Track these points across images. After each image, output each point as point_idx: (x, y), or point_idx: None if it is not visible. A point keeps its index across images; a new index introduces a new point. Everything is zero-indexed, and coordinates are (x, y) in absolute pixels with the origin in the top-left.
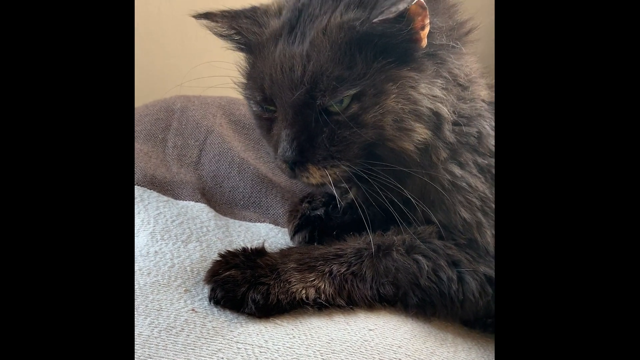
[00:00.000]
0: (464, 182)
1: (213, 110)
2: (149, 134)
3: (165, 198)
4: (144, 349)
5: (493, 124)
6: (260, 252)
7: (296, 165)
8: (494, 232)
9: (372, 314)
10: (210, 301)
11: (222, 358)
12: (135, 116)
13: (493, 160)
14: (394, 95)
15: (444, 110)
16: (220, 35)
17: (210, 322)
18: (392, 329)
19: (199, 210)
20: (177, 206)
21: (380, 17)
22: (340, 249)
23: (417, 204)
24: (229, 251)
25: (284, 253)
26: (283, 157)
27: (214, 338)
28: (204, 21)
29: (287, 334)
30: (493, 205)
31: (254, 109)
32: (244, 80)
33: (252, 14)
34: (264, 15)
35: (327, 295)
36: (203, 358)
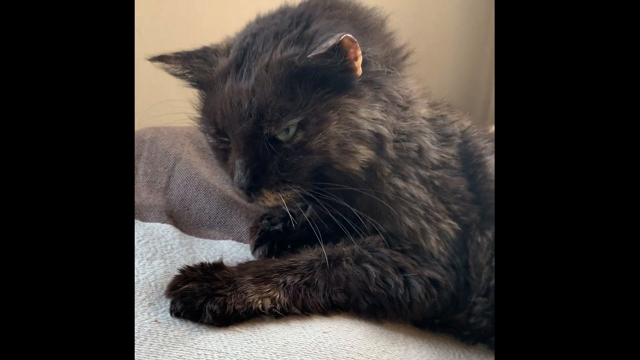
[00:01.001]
0: (407, 193)
1: (181, 139)
2: None
3: (134, 221)
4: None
5: (434, 138)
6: (218, 266)
7: (251, 190)
8: (437, 237)
9: (327, 319)
10: (171, 313)
11: None
12: None
13: (435, 172)
14: (335, 122)
15: (385, 131)
16: (175, 75)
17: (172, 331)
18: (345, 331)
19: (165, 230)
20: (143, 227)
21: (313, 53)
22: (294, 261)
23: (364, 218)
24: (188, 266)
25: (242, 266)
26: (239, 184)
27: (175, 346)
28: (159, 63)
29: (245, 340)
30: (436, 213)
31: (210, 141)
32: (198, 115)
33: (202, 54)
34: (214, 54)
35: (282, 305)
36: None
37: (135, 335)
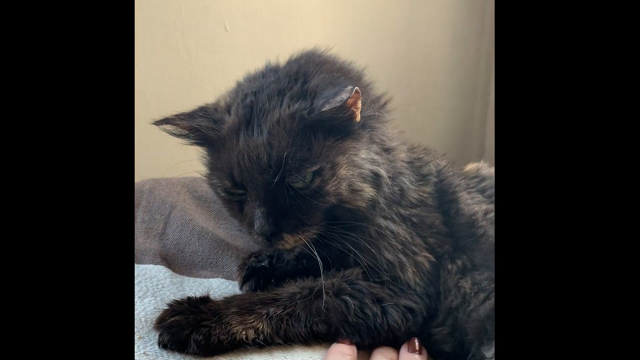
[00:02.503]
0: (387, 231)
1: (177, 188)
2: None
3: None
4: None
5: (412, 178)
6: (204, 299)
7: (272, 236)
8: (414, 269)
9: (308, 348)
10: (159, 345)
11: None
12: None
13: (413, 210)
14: (345, 165)
15: (382, 171)
16: (178, 136)
17: None
18: None
19: (157, 271)
20: (137, 269)
21: (330, 106)
22: (277, 294)
23: (349, 251)
24: (175, 300)
25: (227, 300)
26: (261, 232)
27: None
28: (164, 126)
29: None
30: (413, 247)
31: (222, 194)
32: (208, 172)
33: (204, 114)
34: (216, 112)
35: (265, 335)
36: None
37: None
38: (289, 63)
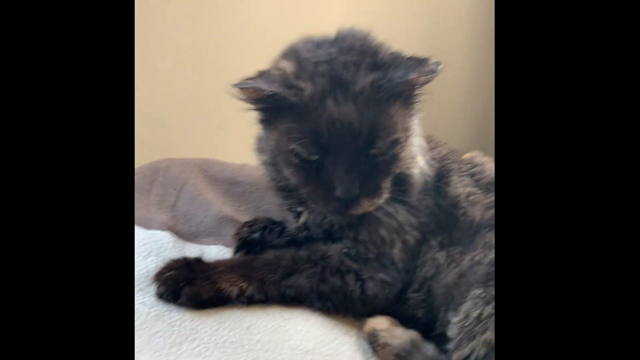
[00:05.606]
0: (391, 208)
1: (191, 167)
2: (137, 187)
3: (137, 228)
4: None
5: (424, 162)
6: (197, 260)
7: (352, 200)
8: (402, 246)
9: (288, 308)
10: (156, 296)
11: (160, 337)
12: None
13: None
14: (413, 134)
15: (424, 143)
16: (255, 100)
17: (154, 311)
18: (304, 319)
19: (162, 236)
20: (145, 233)
21: (414, 75)
22: (263, 259)
23: (352, 223)
24: (172, 259)
25: (217, 261)
26: (345, 196)
27: (154, 322)
28: (240, 90)
29: (215, 321)
30: (406, 227)
31: (295, 161)
32: (278, 140)
33: (276, 79)
34: (286, 79)
35: (248, 293)
36: (145, 337)
37: None
38: (342, 38)
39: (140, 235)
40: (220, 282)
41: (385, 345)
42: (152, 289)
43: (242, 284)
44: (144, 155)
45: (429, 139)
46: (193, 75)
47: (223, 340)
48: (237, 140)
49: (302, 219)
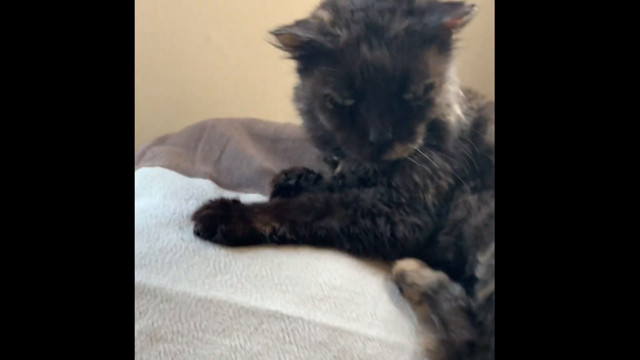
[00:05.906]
0: (426, 154)
1: (236, 125)
2: (184, 143)
3: (181, 176)
4: (141, 261)
5: (459, 112)
6: (235, 201)
7: (386, 144)
8: (435, 192)
9: (318, 249)
10: (194, 233)
11: (196, 269)
12: (182, 132)
13: (453, 141)
14: (449, 80)
15: (461, 92)
16: (292, 47)
17: (191, 246)
18: (333, 260)
19: (204, 183)
20: (187, 180)
21: (448, 18)
22: (299, 201)
23: (386, 170)
24: (210, 200)
25: (254, 204)
26: (378, 140)
27: (192, 256)
28: (277, 37)
29: (248, 257)
30: (440, 173)
31: (330, 107)
32: (315, 85)
33: (313, 27)
34: (324, 26)
35: (281, 233)
36: (182, 268)
37: (164, 247)
38: None
39: (184, 181)
40: (254, 221)
41: (412, 284)
42: (191, 227)
43: (275, 224)
44: (195, 114)
45: (468, 91)
46: (242, 44)
47: (254, 275)
48: (281, 102)
49: (338, 169)
